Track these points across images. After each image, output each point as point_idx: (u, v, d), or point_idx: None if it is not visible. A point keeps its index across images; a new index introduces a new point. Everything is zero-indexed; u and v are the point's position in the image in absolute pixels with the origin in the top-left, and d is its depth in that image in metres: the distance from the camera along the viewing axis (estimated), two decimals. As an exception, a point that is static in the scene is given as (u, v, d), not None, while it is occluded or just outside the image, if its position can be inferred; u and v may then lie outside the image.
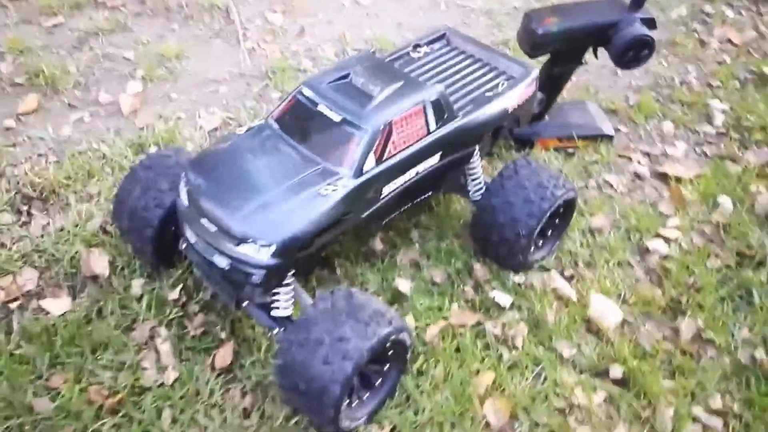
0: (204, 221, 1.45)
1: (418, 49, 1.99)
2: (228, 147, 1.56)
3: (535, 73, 1.90)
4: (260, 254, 1.41)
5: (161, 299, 1.71)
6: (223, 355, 1.63)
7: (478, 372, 1.63)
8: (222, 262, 1.45)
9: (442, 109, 1.63)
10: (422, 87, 1.61)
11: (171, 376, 1.57)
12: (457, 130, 1.68)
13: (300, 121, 1.58)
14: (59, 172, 2.02)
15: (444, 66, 1.93)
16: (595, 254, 1.94)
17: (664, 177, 2.22)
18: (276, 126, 1.60)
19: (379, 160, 1.53)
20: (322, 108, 1.55)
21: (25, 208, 1.93)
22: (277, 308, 1.53)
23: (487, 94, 1.82)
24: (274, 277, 1.45)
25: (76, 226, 1.87)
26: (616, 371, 1.66)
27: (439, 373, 1.60)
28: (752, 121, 2.44)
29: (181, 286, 1.74)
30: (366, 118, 1.52)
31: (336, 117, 1.53)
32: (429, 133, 1.62)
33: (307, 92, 1.59)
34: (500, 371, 1.63)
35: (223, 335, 1.67)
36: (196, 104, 2.34)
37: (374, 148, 1.51)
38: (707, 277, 1.88)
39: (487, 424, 1.54)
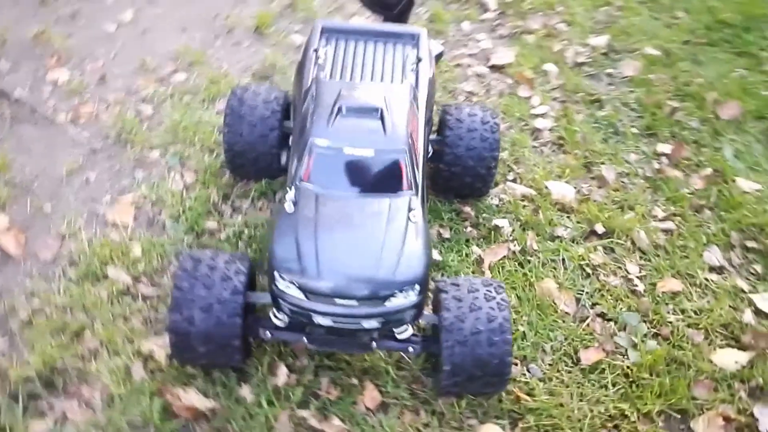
0: (339, 302, 1.51)
1: (319, 53, 2.02)
2: (299, 229, 1.56)
3: (425, 34, 2.11)
4: (409, 298, 1.54)
5: (274, 389, 1.72)
6: (371, 396, 1.74)
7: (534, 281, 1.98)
8: (372, 324, 1.54)
9: (415, 96, 1.81)
10: (398, 86, 1.77)
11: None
12: (427, 106, 1.88)
13: (336, 171, 1.63)
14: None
15: (360, 57, 2.03)
16: (513, 153, 2.34)
17: (497, 68, 2.65)
18: (313, 185, 1.63)
19: (417, 167, 1.68)
20: (349, 150, 1.63)
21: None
22: (401, 332, 1.67)
23: (411, 68, 2.00)
24: (420, 309, 1.59)
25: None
26: (599, 227, 2.14)
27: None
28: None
29: (283, 367, 1.75)
30: (394, 140, 1.65)
31: (369, 152, 1.63)
32: (417, 118, 1.78)
33: (322, 142, 1.64)
34: (548, 273, 2.01)
35: (354, 380, 1.76)
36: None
37: (413, 159, 1.66)
38: (585, 126, 2.42)
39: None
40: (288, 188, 1.64)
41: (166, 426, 1.62)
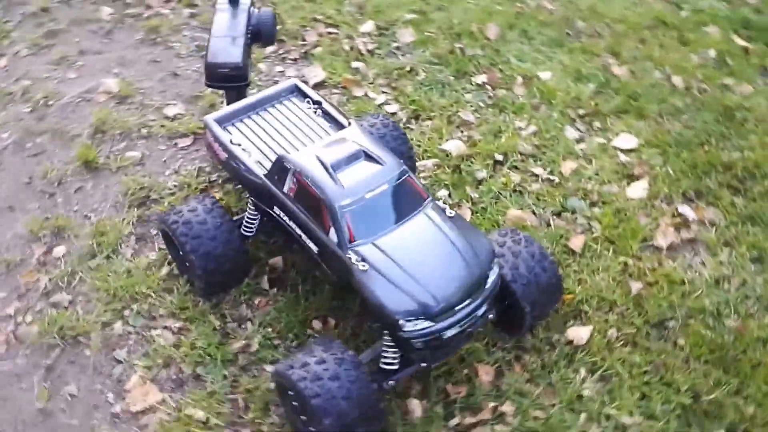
0: (458, 309, 1.70)
1: (237, 142, 2.08)
2: (388, 277, 1.70)
3: (300, 83, 2.26)
4: (495, 268, 1.79)
5: (421, 420, 1.85)
6: (484, 372, 1.96)
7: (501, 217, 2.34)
8: (482, 310, 1.77)
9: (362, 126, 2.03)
10: (347, 128, 1.98)
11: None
12: None
13: (371, 218, 1.78)
14: None
15: (270, 125, 2.16)
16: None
17: (321, 84, 2.85)
18: (362, 240, 1.76)
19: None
20: (369, 194, 1.78)
21: None
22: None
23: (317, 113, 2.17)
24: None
25: None
26: (497, 156, 2.55)
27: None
28: None
29: (412, 400, 1.88)
30: (393, 165, 1.84)
31: (386, 187, 1.80)
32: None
33: (346, 201, 1.76)
34: (503, 206, 2.37)
35: (461, 371, 1.96)
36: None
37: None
38: (420, 93, 2.79)
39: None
40: (342, 256, 1.75)
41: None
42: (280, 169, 1.88)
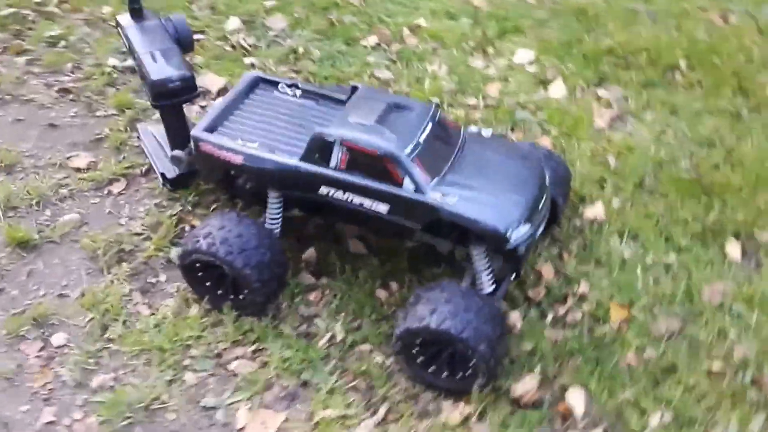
0: (540, 207, 1.96)
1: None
2: (479, 198, 1.89)
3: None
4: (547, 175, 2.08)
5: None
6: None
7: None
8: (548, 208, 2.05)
9: None
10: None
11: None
12: None
13: (433, 150, 1.95)
14: None
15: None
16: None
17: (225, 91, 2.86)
18: (437, 178, 1.93)
19: None
20: (423, 136, 1.93)
21: None
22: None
23: None
24: None
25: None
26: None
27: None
28: None
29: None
30: (423, 104, 2.07)
31: (430, 125, 1.96)
32: None
33: (408, 148, 1.89)
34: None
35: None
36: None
37: None
38: (325, 71, 2.95)
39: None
40: (427, 195, 1.88)
41: None
42: (320, 146, 1.94)
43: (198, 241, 2.00)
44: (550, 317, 2.12)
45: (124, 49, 2.57)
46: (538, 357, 2.01)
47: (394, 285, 2.19)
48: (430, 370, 1.93)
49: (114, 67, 2.94)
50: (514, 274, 2.05)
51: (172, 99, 2.22)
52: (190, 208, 2.41)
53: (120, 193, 2.49)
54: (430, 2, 3.36)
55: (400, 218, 1.96)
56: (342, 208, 2.01)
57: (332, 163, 1.95)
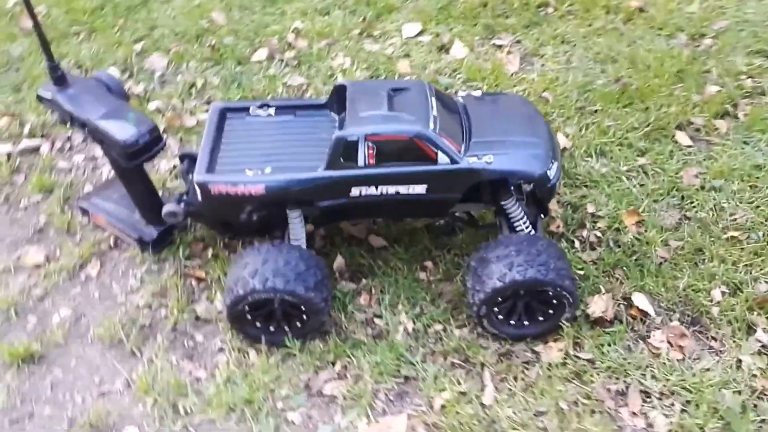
0: (558, 150, 2.21)
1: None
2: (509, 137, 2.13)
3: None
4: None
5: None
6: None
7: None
8: None
9: None
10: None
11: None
12: None
13: (449, 121, 2.11)
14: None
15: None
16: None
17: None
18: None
19: None
20: (434, 111, 2.08)
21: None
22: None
23: None
24: None
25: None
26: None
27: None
28: None
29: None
30: (416, 81, 2.25)
31: (434, 99, 2.12)
32: None
33: (431, 125, 2.03)
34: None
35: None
36: None
37: None
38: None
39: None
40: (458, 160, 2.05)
41: None
42: (345, 149, 2.01)
43: (248, 282, 1.99)
44: (577, 243, 2.37)
45: (55, 121, 2.44)
46: (590, 280, 2.25)
47: (429, 264, 2.32)
48: (511, 322, 2.10)
49: (8, 154, 2.74)
50: (541, 214, 2.27)
51: (143, 156, 2.16)
52: (186, 263, 2.35)
53: (99, 275, 2.35)
54: (293, 4, 3.47)
55: (440, 193, 2.09)
56: (371, 205, 2.10)
57: (360, 162, 2.03)
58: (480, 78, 2.98)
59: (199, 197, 2.09)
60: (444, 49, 3.19)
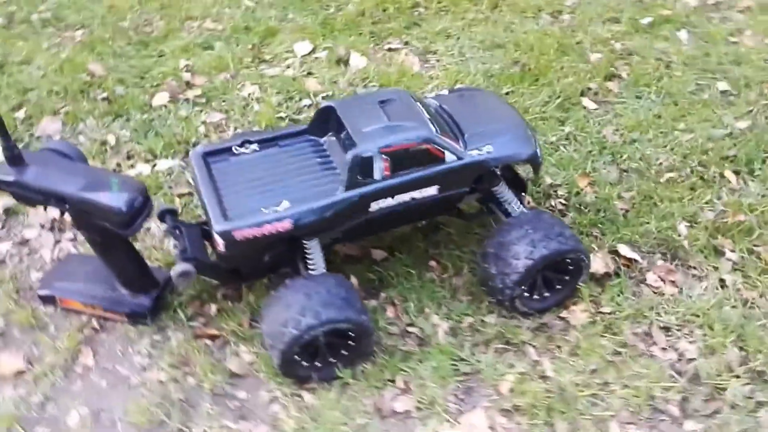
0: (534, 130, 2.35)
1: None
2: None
3: None
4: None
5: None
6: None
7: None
8: None
9: None
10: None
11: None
12: None
13: (442, 120, 2.20)
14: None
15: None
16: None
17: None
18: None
19: None
20: (426, 115, 2.13)
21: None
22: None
23: None
24: None
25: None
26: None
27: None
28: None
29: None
30: (395, 89, 2.28)
31: (419, 104, 2.17)
32: None
33: (433, 127, 2.08)
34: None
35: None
36: None
37: None
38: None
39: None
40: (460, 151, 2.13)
41: None
42: (362, 165, 1.99)
43: (300, 321, 1.92)
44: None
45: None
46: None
47: (433, 263, 2.37)
48: (535, 296, 2.21)
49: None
50: (522, 192, 2.40)
51: (139, 219, 2.01)
52: (193, 323, 2.20)
53: (97, 362, 2.13)
54: (168, 44, 3.32)
55: (451, 190, 2.15)
56: (385, 217, 2.11)
57: (377, 176, 2.03)
58: (393, 82, 3.05)
59: (222, 248, 1.97)
60: (342, 61, 3.22)
